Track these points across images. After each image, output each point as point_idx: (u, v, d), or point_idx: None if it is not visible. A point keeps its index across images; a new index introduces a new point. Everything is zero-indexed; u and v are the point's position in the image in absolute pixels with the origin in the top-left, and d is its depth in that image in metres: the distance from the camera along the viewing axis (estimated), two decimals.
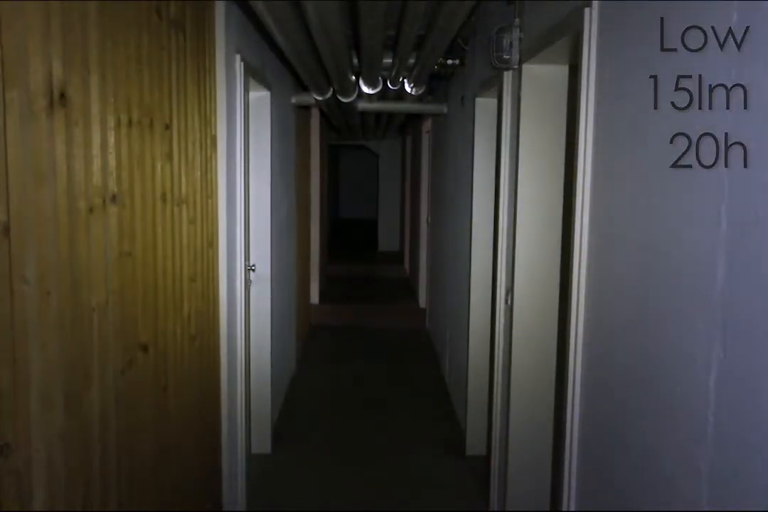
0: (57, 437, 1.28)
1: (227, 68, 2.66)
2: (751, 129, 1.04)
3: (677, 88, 1.29)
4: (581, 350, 1.84)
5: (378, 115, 7.10)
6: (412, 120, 8.07)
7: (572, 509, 1.88)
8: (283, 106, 4.35)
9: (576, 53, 1.91)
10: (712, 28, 1.16)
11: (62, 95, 1.29)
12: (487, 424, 3.37)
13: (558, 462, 2.02)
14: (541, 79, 2.54)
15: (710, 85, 1.16)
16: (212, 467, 2.59)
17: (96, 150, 1.45)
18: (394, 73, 3.87)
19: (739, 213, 1.07)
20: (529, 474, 2.77)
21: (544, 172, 2.62)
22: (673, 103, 1.30)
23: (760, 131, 1.02)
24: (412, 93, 4.40)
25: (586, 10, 1.77)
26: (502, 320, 2.90)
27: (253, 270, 3.53)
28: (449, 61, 3.95)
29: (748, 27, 1.05)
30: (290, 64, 3.53)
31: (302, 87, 4.89)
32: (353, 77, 3.92)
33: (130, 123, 1.65)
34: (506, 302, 2.82)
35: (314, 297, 7.65)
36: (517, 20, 2.57)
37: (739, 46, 1.08)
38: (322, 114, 6.98)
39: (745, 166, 1.06)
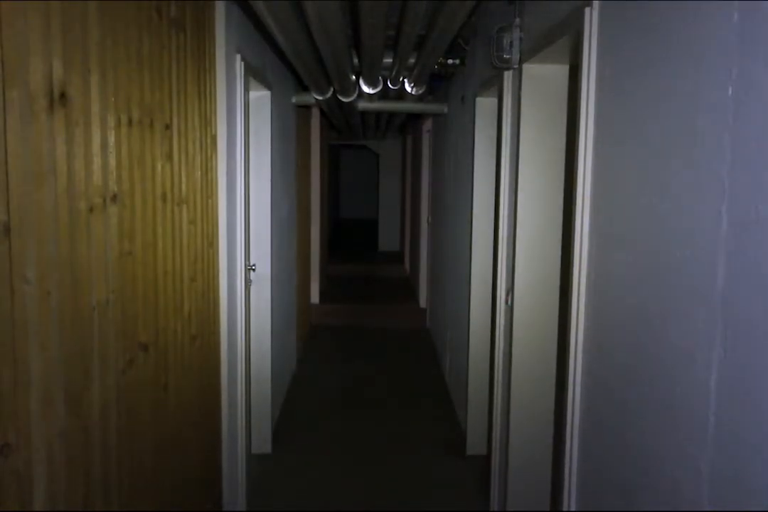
0: (57, 437, 1.28)
1: (227, 68, 2.66)
2: (752, 129, 1.04)
3: (677, 88, 1.29)
4: (581, 350, 1.84)
5: (378, 114, 7.10)
6: (413, 119, 8.07)
7: (573, 509, 1.88)
8: (283, 105, 4.35)
9: (576, 53, 1.91)
10: (713, 27, 1.16)
11: (62, 95, 1.29)
12: (487, 424, 3.37)
13: (558, 461, 2.02)
14: (542, 78, 2.53)
15: (710, 85, 1.16)
16: (213, 466, 2.59)
17: (96, 149, 1.45)
18: (394, 72, 3.87)
19: (739, 213, 1.07)
20: (529, 473, 2.77)
21: (544, 172, 2.62)
22: (672, 103, 1.30)
23: (760, 131, 1.02)
24: (413, 92, 4.40)
25: (587, 10, 1.77)
26: (503, 320, 2.90)
27: (254, 269, 3.53)
28: (449, 61, 3.95)
29: (748, 26, 1.05)
30: (290, 64, 3.53)
31: (302, 86, 4.89)
32: (353, 77, 3.93)
33: (130, 123, 1.65)
34: (506, 302, 2.82)
35: (314, 297, 7.65)
36: (517, 20, 2.57)
37: (739, 46, 1.08)
38: (323, 113, 6.98)
39: (746, 165, 1.05)
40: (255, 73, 3.14)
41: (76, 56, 1.35)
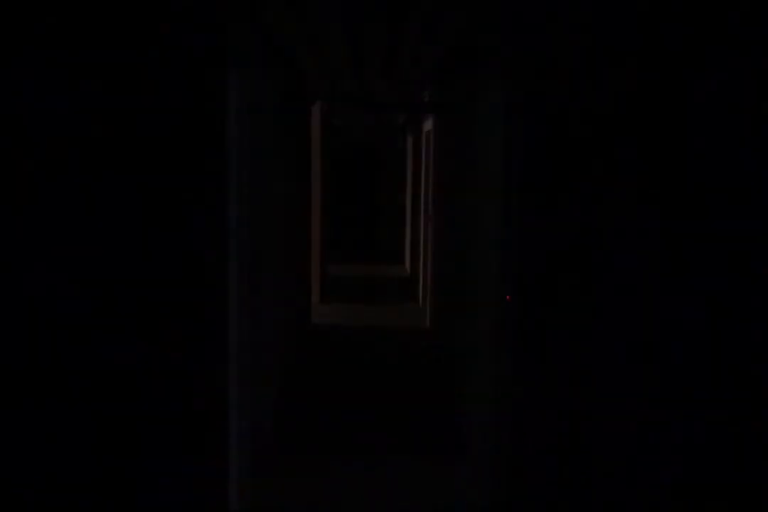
0: None
1: None
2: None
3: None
4: None
5: (379, 113, 7.09)
6: (413, 119, 8.07)
7: None
8: (283, 104, 4.35)
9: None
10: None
11: None
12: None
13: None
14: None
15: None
16: (215, 466, 2.59)
17: None
18: None
19: None
20: None
21: None
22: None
23: None
24: None
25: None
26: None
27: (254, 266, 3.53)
28: None
29: None
30: (293, 60, 3.52)
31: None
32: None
33: None
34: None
35: (315, 297, 7.65)
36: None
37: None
38: (323, 114, 6.98)
39: None
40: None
41: None
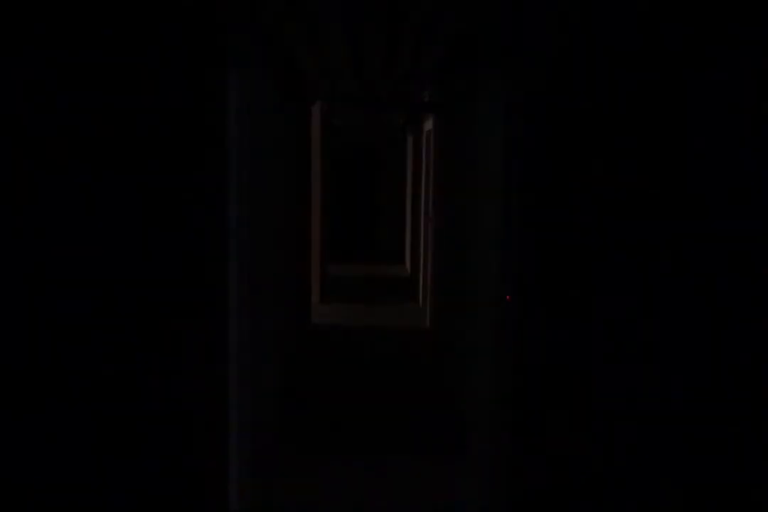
0: None
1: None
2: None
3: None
4: None
5: (379, 113, 7.09)
6: (414, 119, 8.07)
7: None
8: (284, 104, 4.35)
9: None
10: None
11: None
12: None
13: None
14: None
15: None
16: (215, 466, 2.59)
17: None
18: None
19: None
20: None
21: None
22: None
23: None
24: None
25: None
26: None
27: (254, 268, 3.53)
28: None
29: None
30: (294, 62, 3.52)
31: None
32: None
33: None
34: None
35: (315, 297, 7.65)
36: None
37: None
38: (324, 114, 6.98)
39: None
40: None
41: None
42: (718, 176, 1.12)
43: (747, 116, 1.03)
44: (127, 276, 1.56)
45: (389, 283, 9.18)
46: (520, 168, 2.58)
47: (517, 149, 2.63)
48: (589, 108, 1.74)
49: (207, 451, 2.40)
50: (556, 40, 2.06)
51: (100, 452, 1.43)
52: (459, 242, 4.43)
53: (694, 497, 1.18)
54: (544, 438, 2.13)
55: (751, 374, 1.01)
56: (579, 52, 1.83)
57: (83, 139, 1.32)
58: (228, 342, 2.71)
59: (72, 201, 1.28)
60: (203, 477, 2.34)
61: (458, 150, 4.51)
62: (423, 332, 6.55)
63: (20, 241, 1.10)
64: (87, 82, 1.33)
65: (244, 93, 2.85)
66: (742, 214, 1.04)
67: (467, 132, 4.02)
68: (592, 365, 1.70)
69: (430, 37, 3.76)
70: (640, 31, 1.43)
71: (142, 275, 1.66)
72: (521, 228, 2.57)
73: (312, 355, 5.71)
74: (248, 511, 3.04)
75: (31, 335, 1.13)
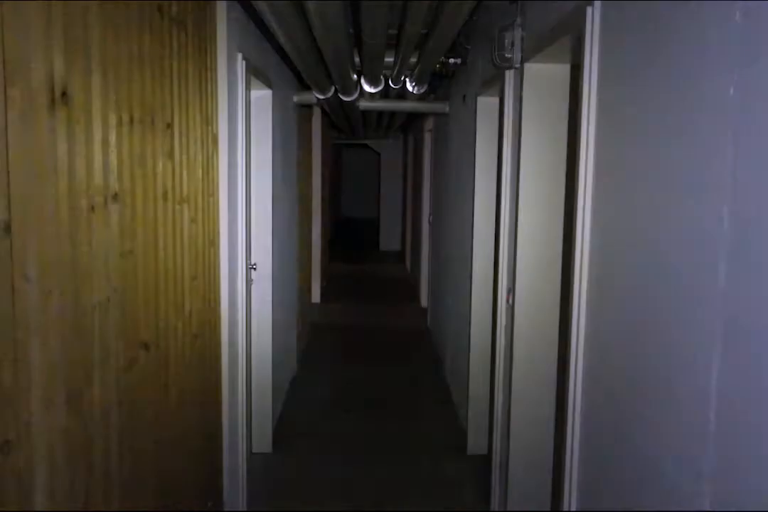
0: (59, 434, 1.28)
1: (229, 66, 2.65)
2: (754, 128, 1.04)
3: (679, 87, 1.29)
4: (582, 350, 1.84)
5: (380, 113, 7.09)
6: (414, 119, 8.07)
7: (573, 509, 1.88)
8: (284, 104, 4.35)
9: (578, 52, 1.91)
10: (715, 27, 1.15)
11: (64, 93, 1.29)
12: (488, 424, 3.36)
13: (559, 461, 2.02)
14: (543, 78, 2.53)
15: (713, 84, 1.16)
16: (213, 466, 2.59)
17: (97, 148, 1.45)
18: (396, 71, 3.87)
19: (741, 213, 1.07)
20: (530, 473, 2.77)
21: (546, 171, 2.61)
22: (674, 103, 1.30)
23: (762, 130, 1.02)
24: (414, 91, 4.40)
25: (588, 9, 1.77)
26: (504, 320, 2.90)
27: (255, 269, 3.54)
28: (451, 60, 3.95)
29: (750, 26, 1.05)
30: (292, 63, 3.53)
31: (304, 85, 4.89)
32: (355, 76, 3.93)
33: (131, 121, 1.65)
34: (507, 301, 2.82)
35: (315, 297, 7.65)
36: (519, 19, 2.57)
37: (741, 46, 1.07)
38: (324, 113, 6.98)
39: (748, 165, 1.05)
40: (256, 72, 3.14)
41: (78, 55, 1.35)
42: None
43: None
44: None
45: (390, 283, 9.17)
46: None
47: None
48: None
49: (207, 449, 2.40)
50: None
51: None
52: (458, 241, 4.42)
53: None
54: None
55: None
56: None
57: None
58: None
59: None
60: (203, 476, 2.34)
61: (457, 149, 4.51)
62: (424, 332, 6.54)
63: None
64: None
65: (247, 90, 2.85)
66: None
67: (467, 131, 4.02)
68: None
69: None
70: None
71: None
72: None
73: (312, 354, 5.71)
74: (248, 511, 3.04)
75: None
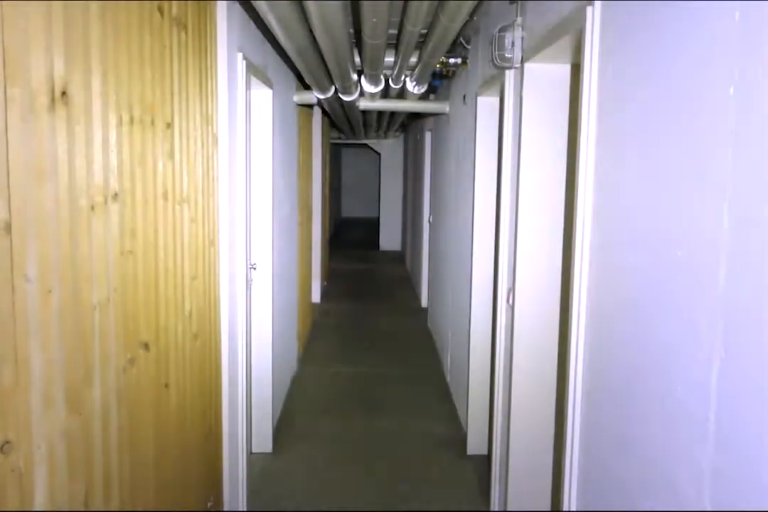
0: (58, 434, 1.28)
1: (229, 66, 2.65)
2: (753, 128, 1.04)
3: (679, 87, 1.28)
4: (583, 350, 1.84)
5: (380, 113, 7.09)
6: (414, 118, 8.06)
7: (573, 509, 1.88)
8: (284, 104, 4.35)
9: (578, 52, 1.91)
10: (715, 26, 1.15)
11: (64, 93, 1.29)
12: (488, 424, 3.37)
13: (559, 461, 2.02)
14: (544, 77, 2.53)
15: (713, 84, 1.15)
16: (213, 466, 2.59)
17: (98, 148, 1.45)
18: (396, 71, 3.87)
19: (740, 212, 1.07)
20: (530, 473, 2.77)
21: (546, 171, 2.61)
22: (674, 102, 1.30)
23: (761, 131, 1.01)
24: (414, 91, 4.40)
25: (589, 9, 1.77)
26: (504, 319, 2.90)
27: (255, 268, 3.54)
28: (451, 60, 3.95)
29: (750, 26, 1.05)
30: (292, 63, 3.53)
31: (304, 85, 4.89)
32: (355, 75, 3.93)
33: (131, 121, 1.65)
34: (508, 301, 2.82)
35: (316, 297, 7.65)
36: (519, 19, 2.57)
37: (740, 45, 1.07)
38: (324, 112, 6.98)
39: (747, 165, 1.05)
40: (256, 72, 3.14)
41: (78, 54, 1.35)
42: None
43: None
44: None
45: (391, 283, 9.17)
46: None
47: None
48: None
49: (206, 449, 2.40)
50: None
51: None
52: (458, 241, 4.42)
53: None
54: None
55: None
56: None
57: None
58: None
59: None
60: (203, 476, 2.34)
61: (456, 149, 4.51)
62: (424, 332, 6.54)
63: None
64: None
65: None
66: None
67: (467, 131, 4.02)
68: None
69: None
70: None
71: None
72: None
73: (312, 354, 5.71)
74: (248, 511, 3.04)
75: None
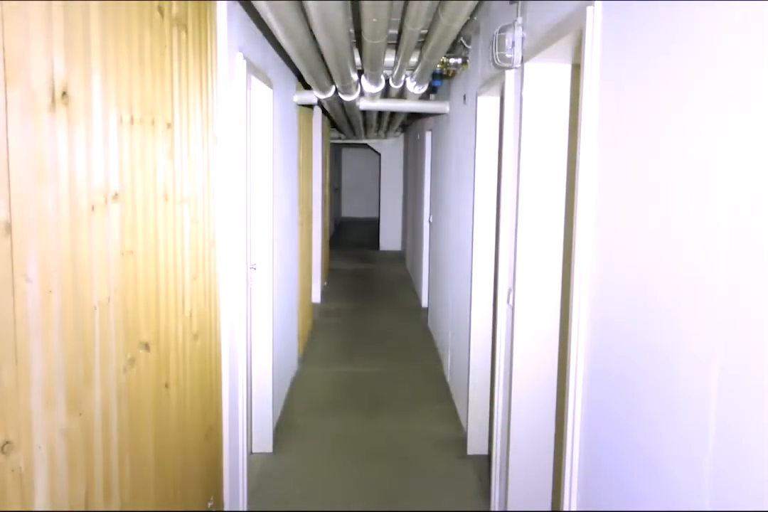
0: (59, 434, 1.28)
1: (229, 66, 2.65)
2: (753, 128, 1.04)
3: (680, 87, 1.28)
4: (583, 350, 1.84)
5: (380, 113, 7.09)
6: (414, 118, 8.06)
7: (573, 509, 1.88)
8: (285, 104, 4.35)
9: (579, 52, 1.91)
10: (716, 26, 1.15)
11: (64, 93, 1.29)
12: (488, 424, 3.37)
13: (559, 461, 2.02)
14: (544, 77, 2.53)
15: (713, 83, 1.15)
16: (213, 465, 2.59)
17: (98, 148, 1.45)
18: (396, 71, 3.87)
19: (742, 212, 1.07)
20: (530, 473, 2.77)
21: (546, 171, 2.61)
22: (675, 102, 1.30)
23: (762, 131, 1.01)
24: (415, 91, 4.40)
25: (589, 9, 1.76)
26: (504, 320, 2.90)
27: (255, 269, 3.54)
28: (452, 60, 3.95)
29: (750, 26, 1.05)
30: (292, 63, 3.53)
31: (304, 85, 4.89)
32: (355, 75, 3.93)
33: (132, 121, 1.65)
34: (508, 301, 2.82)
35: (316, 297, 7.65)
36: (519, 19, 2.57)
37: (741, 46, 1.07)
38: (324, 112, 6.98)
39: (748, 165, 1.05)
40: (256, 72, 3.14)
41: (78, 54, 1.35)
42: None
43: None
44: None
45: (391, 283, 9.17)
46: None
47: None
48: None
49: (207, 449, 2.39)
50: None
51: None
52: (458, 241, 4.42)
53: None
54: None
55: None
56: None
57: None
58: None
59: None
60: (203, 476, 2.34)
61: (455, 149, 4.50)
62: (425, 332, 6.55)
63: None
64: None
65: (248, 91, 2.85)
66: None
67: (467, 131, 4.02)
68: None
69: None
70: None
71: None
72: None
73: (312, 354, 5.71)
74: (248, 511, 3.04)
75: None
